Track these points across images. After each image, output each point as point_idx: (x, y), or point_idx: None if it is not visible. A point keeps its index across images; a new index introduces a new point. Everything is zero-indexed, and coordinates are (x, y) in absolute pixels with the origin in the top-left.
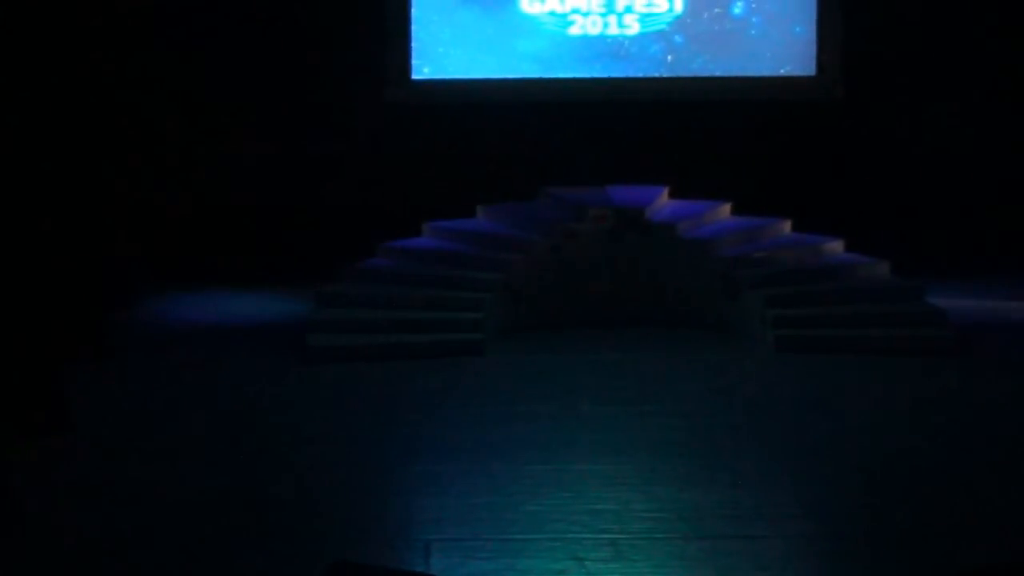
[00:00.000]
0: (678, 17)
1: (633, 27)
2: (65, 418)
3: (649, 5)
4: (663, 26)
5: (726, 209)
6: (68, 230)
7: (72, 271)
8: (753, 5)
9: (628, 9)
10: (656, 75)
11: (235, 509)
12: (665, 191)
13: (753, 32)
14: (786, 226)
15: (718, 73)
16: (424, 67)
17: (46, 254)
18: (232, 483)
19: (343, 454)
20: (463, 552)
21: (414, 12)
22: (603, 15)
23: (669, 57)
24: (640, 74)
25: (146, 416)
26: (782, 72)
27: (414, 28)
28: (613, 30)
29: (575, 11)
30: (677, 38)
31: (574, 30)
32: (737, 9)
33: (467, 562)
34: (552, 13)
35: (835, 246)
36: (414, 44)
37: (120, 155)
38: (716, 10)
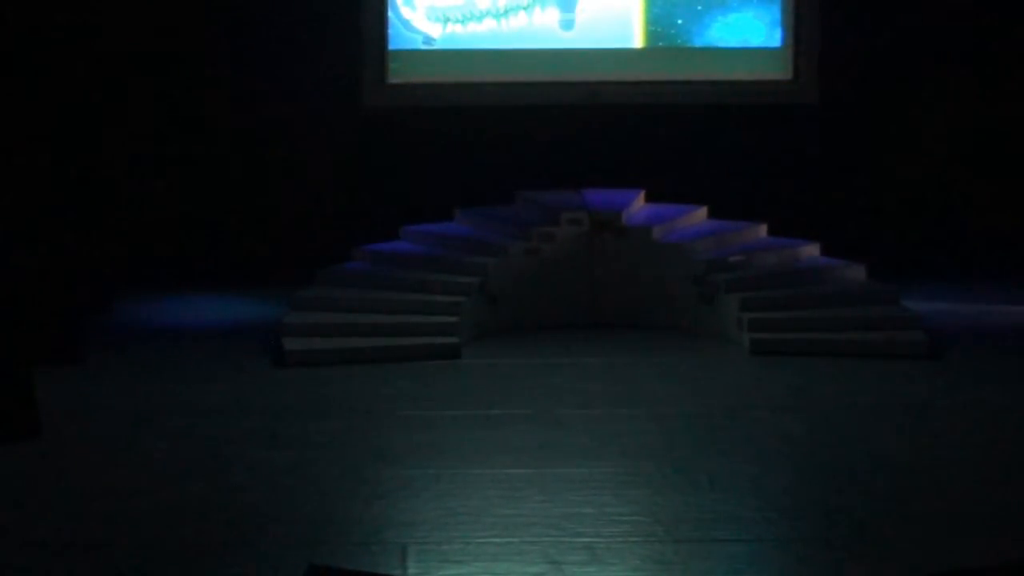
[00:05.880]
0: None
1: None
2: (34, 422)
3: None
4: None
5: (702, 212)
6: (41, 232)
7: (45, 273)
8: None
9: None
10: (633, 78)
11: (210, 514)
12: (641, 194)
13: None
14: (762, 230)
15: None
16: (401, 70)
17: (18, 256)
18: (207, 487)
19: (318, 458)
20: (439, 556)
21: (390, 15)
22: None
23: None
24: (617, 77)
25: (119, 420)
26: (758, 76)
27: (391, 31)
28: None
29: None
30: None
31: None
32: None
33: (443, 565)
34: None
35: (811, 249)
36: (391, 47)
37: (96, 157)
38: None
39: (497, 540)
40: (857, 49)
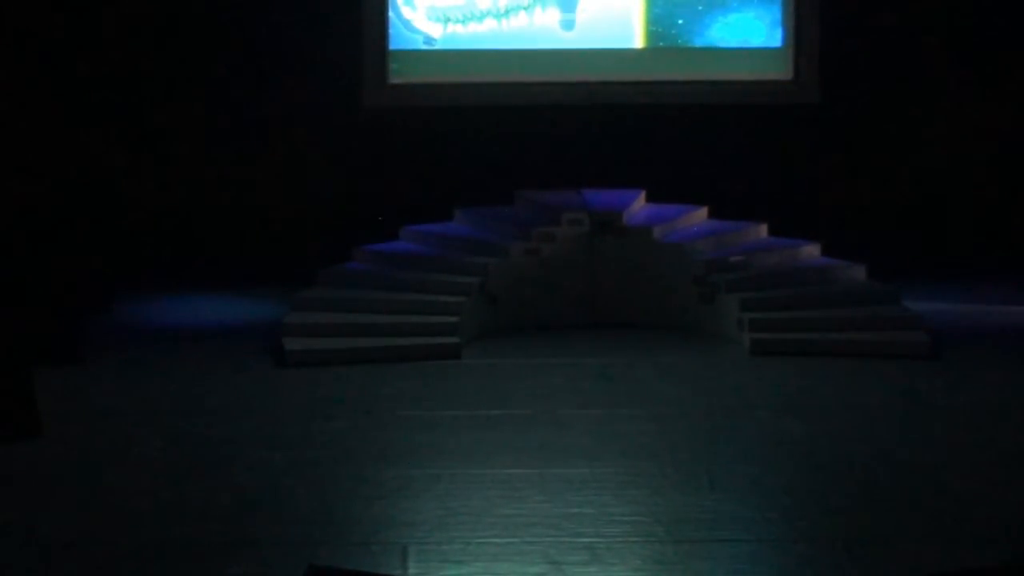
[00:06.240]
0: None
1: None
2: (34, 422)
3: None
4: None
5: (703, 213)
6: (41, 232)
7: (45, 273)
8: None
9: None
10: (633, 78)
11: (210, 514)
12: (642, 194)
13: None
14: (762, 230)
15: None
16: (402, 70)
17: (17, 256)
18: (207, 487)
19: (319, 458)
20: (440, 556)
21: (391, 15)
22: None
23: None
24: (617, 77)
25: (119, 420)
26: (758, 76)
27: (391, 31)
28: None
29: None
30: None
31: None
32: None
33: (444, 565)
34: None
35: (811, 250)
36: (391, 47)
37: (96, 156)
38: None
39: (498, 540)
40: (857, 49)
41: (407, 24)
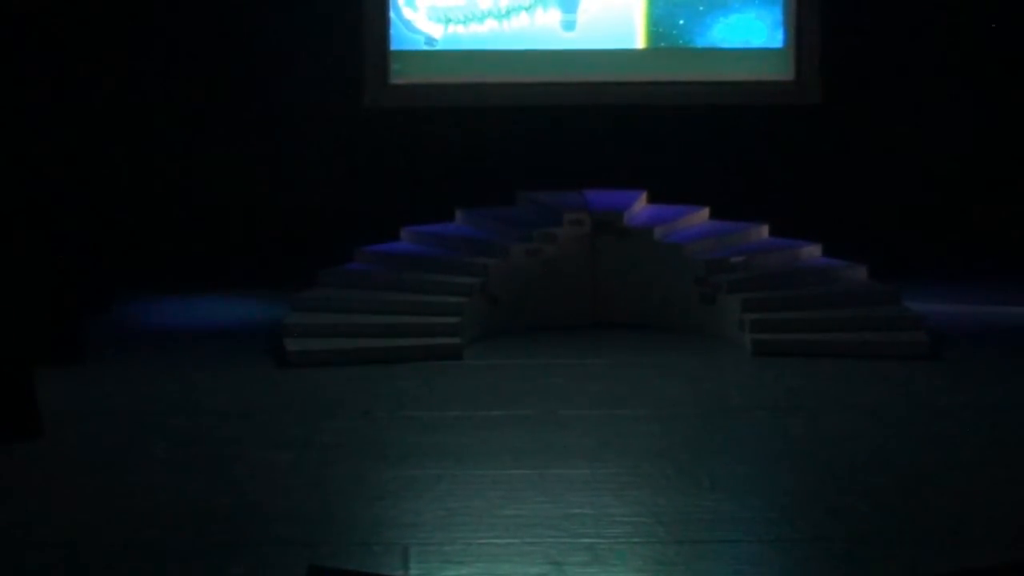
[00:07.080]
0: None
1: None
2: (34, 422)
3: None
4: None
5: (704, 213)
6: (41, 232)
7: (45, 273)
8: None
9: None
10: (635, 79)
11: (210, 514)
12: (643, 195)
13: None
14: (764, 230)
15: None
16: (403, 71)
17: (18, 256)
18: (207, 487)
19: (320, 458)
20: (441, 556)
21: (392, 15)
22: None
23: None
24: (619, 78)
25: (119, 420)
26: (760, 76)
27: (392, 32)
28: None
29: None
30: None
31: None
32: None
33: (445, 566)
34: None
35: (812, 250)
36: (392, 48)
37: (97, 157)
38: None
39: (499, 541)
40: (858, 50)
41: (408, 24)
